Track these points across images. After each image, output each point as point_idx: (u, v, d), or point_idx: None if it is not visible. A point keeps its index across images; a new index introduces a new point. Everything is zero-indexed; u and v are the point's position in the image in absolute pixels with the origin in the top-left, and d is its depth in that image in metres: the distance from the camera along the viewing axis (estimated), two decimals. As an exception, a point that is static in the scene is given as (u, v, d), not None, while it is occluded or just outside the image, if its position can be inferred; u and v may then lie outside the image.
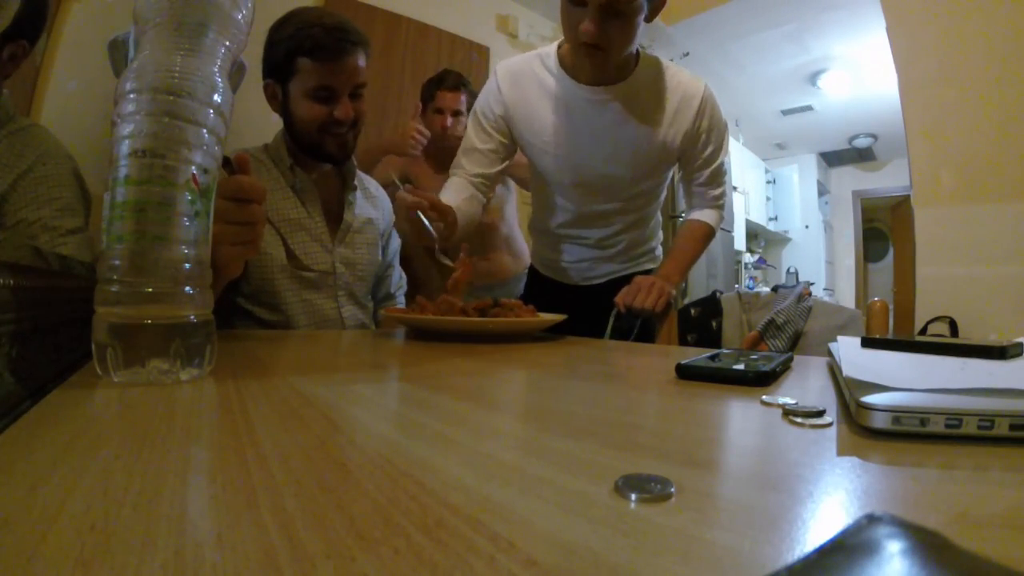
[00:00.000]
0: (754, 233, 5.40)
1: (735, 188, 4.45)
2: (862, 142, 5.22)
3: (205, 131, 0.36)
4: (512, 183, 1.55)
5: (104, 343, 0.33)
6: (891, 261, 5.97)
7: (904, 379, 0.28)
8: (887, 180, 5.48)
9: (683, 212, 1.16)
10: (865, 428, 0.25)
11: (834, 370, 0.41)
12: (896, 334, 2.58)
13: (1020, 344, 0.42)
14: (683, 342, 2.14)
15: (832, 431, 0.26)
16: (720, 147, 1.01)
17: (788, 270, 5.63)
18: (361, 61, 0.92)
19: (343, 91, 0.91)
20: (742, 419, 0.31)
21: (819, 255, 5.61)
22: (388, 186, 1.29)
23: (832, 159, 5.76)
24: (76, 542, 0.13)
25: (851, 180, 5.81)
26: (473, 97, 1.49)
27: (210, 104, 0.36)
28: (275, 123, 1.00)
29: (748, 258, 5.08)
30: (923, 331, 1.78)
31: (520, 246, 1.56)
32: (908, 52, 1.92)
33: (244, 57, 0.44)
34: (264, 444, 0.22)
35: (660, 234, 1.19)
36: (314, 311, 0.95)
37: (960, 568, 0.09)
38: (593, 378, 0.47)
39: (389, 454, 0.21)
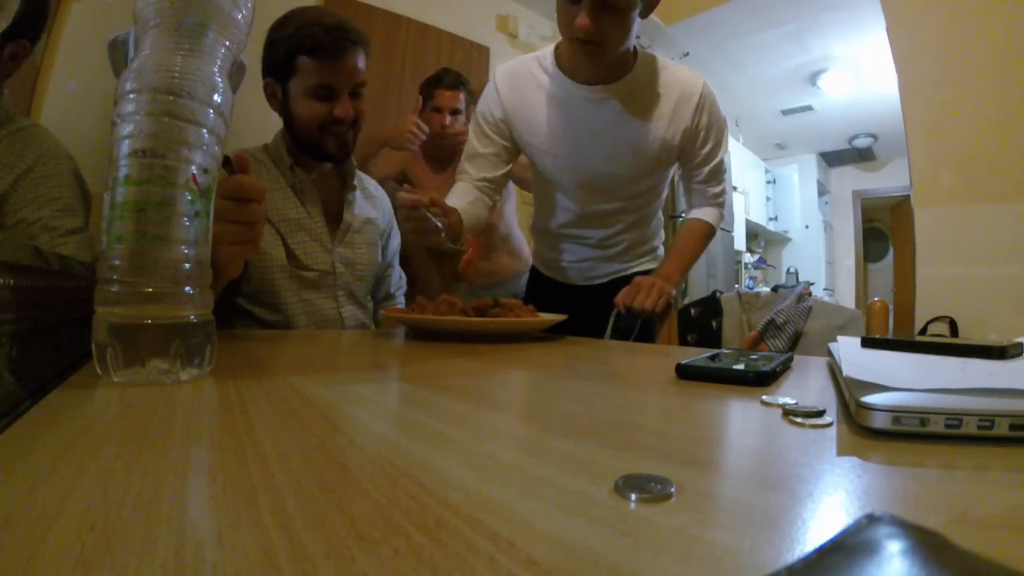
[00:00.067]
0: (754, 233, 5.40)
1: (735, 188, 4.45)
2: (862, 142, 5.22)
3: (205, 131, 0.36)
4: (511, 183, 1.55)
5: (104, 343, 0.33)
6: (891, 261, 5.97)
7: (904, 379, 0.28)
8: (887, 180, 5.48)
9: (683, 212, 1.16)
10: (865, 428, 0.25)
11: (834, 370, 0.41)
12: (896, 334, 2.58)
13: (1020, 344, 0.42)
14: (683, 342, 2.14)
15: (832, 431, 0.26)
16: (719, 144, 1.00)
17: (788, 270, 5.63)
18: (361, 60, 0.93)
19: (343, 90, 0.91)
20: (742, 419, 0.31)
21: (819, 255, 5.61)
22: (385, 183, 1.29)
23: (832, 159, 5.76)
24: (76, 542, 0.13)
25: (851, 180, 5.82)
26: (472, 96, 1.49)
27: (210, 104, 0.36)
28: (275, 123, 1.00)
29: (748, 258, 5.08)
30: (923, 331, 1.78)
31: (519, 245, 1.56)
32: (908, 52, 1.92)
33: (244, 57, 0.44)
34: (264, 444, 0.22)
35: (662, 233, 1.19)
36: (314, 311, 0.95)
37: (960, 568, 0.09)
38: (593, 378, 0.47)
39: (389, 454, 0.21)
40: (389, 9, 2.24)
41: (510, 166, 1.06)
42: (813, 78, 4.08)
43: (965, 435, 0.23)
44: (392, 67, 2.24)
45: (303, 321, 0.94)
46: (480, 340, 0.68)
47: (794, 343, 1.91)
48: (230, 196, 0.47)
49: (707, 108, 0.96)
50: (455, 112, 1.46)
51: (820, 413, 0.28)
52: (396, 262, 1.17)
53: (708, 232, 1.06)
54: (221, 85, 0.37)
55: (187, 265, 0.35)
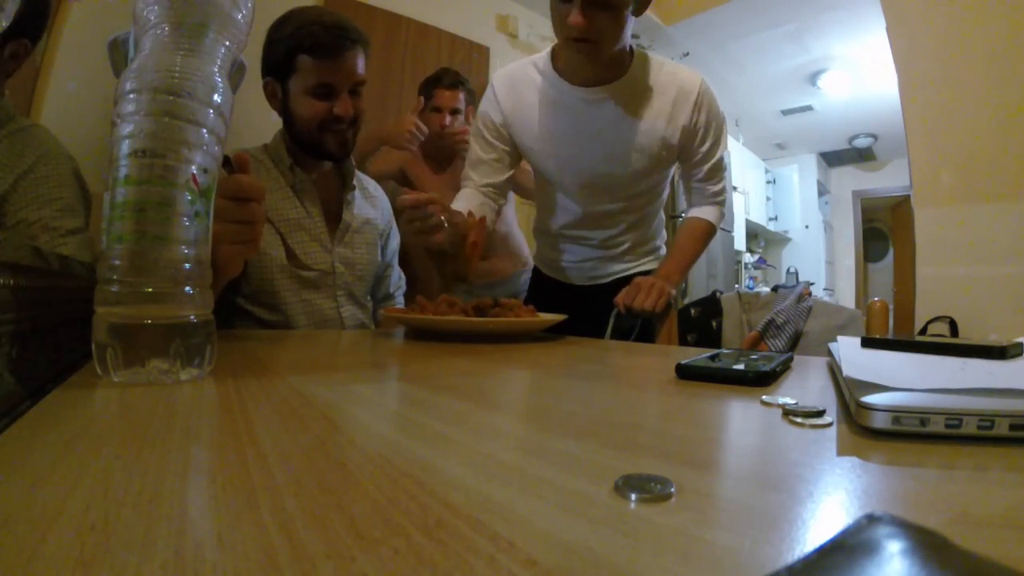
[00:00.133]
0: (754, 233, 5.41)
1: (735, 188, 4.45)
2: (862, 142, 5.22)
3: (205, 131, 0.36)
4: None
5: (104, 343, 0.33)
6: (891, 261, 5.98)
7: (904, 379, 0.28)
8: (887, 180, 5.48)
9: (683, 211, 1.16)
10: (865, 428, 0.25)
11: (834, 370, 0.41)
12: (896, 334, 2.58)
13: (1020, 344, 0.42)
14: (683, 342, 2.14)
15: (832, 431, 0.26)
16: (718, 141, 1.00)
17: (788, 270, 5.63)
18: (360, 59, 0.93)
19: (343, 88, 0.92)
20: (742, 419, 0.31)
21: (819, 255, 5.61)
22: (385, 182, 1.29)
23: (832, 159, 5.76)
24: (76, 542, 0.13)
25: (851, 180, 5.82)
26: (472, 95, 1.49)
27: (210, 104, 0.36)
28: (275, 123, 1.01)
29: (748, 258, 5.08)
30: (923, 331, 1.78)
31: (518, 245, 1.56)
32: (908, 52, 1.92)
33: (244, 57, 0.44)
34: (264, 444, 0.22)
35: (664, 233, 1.19)
36: (313, 311, 0.95)
37: (960, 568, 0.09)
38: (593, 378, 0.47)
39: (389, 454, 0.21)
40: (389, 9, 2.24)
41: (513, 171, 1.06)
42: (813, 78, 4.08)
43: (965, 435, 0.23)
44: (392, 67, 2.24)
45: (303, 321, 0.94)
46: (480, 340, 0.68)
47: (794, 343, 1.91)
48: (230, 196, 0.47)
49: (705, 106, 0.96)
50: (455, 112, 1.46)
51: (820, 413, 0.28)
52: (395, 262, 1.17)
53: (708, 231, 1.06)
54: (221, 85, 0.37)
55: (187, 265, 0.35)
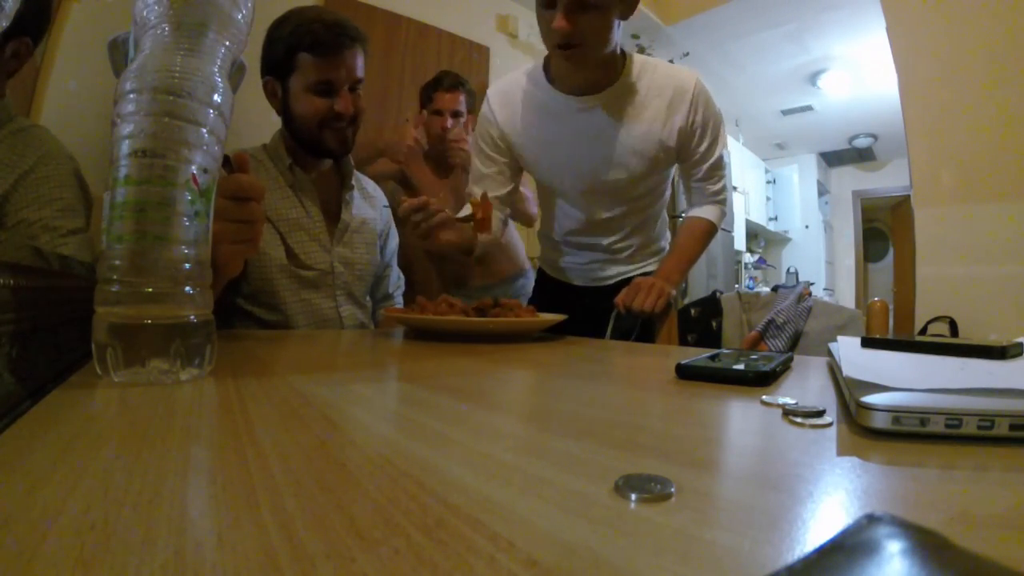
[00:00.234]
0: (754, 233, 5.41)
1: (735, 188, 4.45)
2: (862, 142, 5.23)
3: (205, 131, 0.36)
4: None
5: (104, 343, 0.33)
6: (891, 261, 5.98)
7: (904, 379, 0.28)
8: (887, 180, 5.48)
9: (683, 211, 1.16)
10: (865, 428, 0.25)
11: (834, 370, 0.41)
12: (896, 334, 2.58)
13: (1020, 344, 0.42)
14: (683, 342, 2.14)
15: (832, 431, 0.26)
16: (716, 140, 1.00)
17: (788, 270, 5.63)
18: (360, 57, 0.94)
19: (342, 85, 0.92)
20: (742, 419, 0.31)
21: (819, 255, 5.61)
22: (385, 183, 1.29)
23: (832, 159, 5.76)
24: (76, 542, 0.13)
25: (851, 180, 5.82)
26: (472, 97, 1.49)
27: (210, 104, 0.36)
28: (274, 123, 1.01)
29: (748, 258, 5.08)
30: (923, 331, 1.78)
31: (516, 248, 1.56)
32: (908, 52, 1.92)
33: (244, 57, 0.44)
34: (264, 444, 0.22)
35: (667, 234, 1.19)
36: (313, 311, 0.95)
37: (960, 568, 0.09)
38: (593, 378, 0.47)
39: (389, 454, 0.21)
40: (389, 9, 2.24)
41: (516, 181, 1.08)
42: (813, 78, 4.08)
43: (965, 435, 0.23)
44: (392, 67, 2.24)
45: (302, 321, 0.94)
46: (480, 340, 0.68)
47: (794, 343, 1.91)
48: (230, 195, 0.47)
49: (701, 105, 0.95)
50: (456, 114, 1.46)
51: (820, 413, 0.28)
52: (394, 262, 1.18)
53: (708, 230, 1.06)
54: (221, 85, 0.37)
55: (187, 265, 0.35)
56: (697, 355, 0.47)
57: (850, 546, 0.09)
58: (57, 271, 0.49)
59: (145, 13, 0.37)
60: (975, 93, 1.77)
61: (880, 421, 0.24)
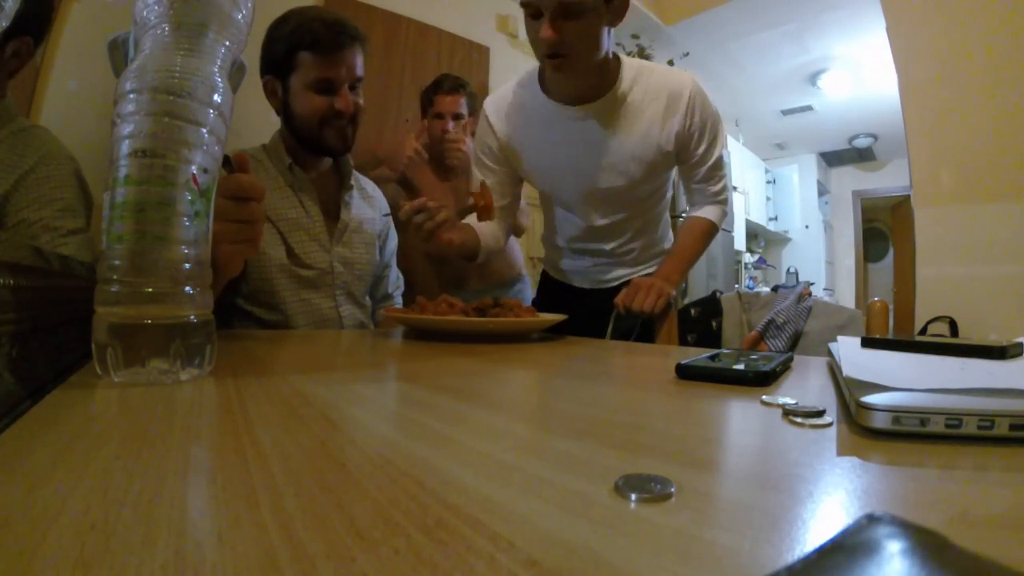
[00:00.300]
0: (754, 233, 5.41)
1: (735, 188, 4.45)
2: (862, 142, 5.23)
3: (205, 131, 0.36)
4: None
5: (104, 343, 0.33)
6: (891, 261, 5.98)
7: (904, 379, 0.28)
8: (887, 180, 5.49)
9: (683, 212, 1.16)
10: (865, 428, 0.25)
11: (834, 370, 0.41)
12: (896, 334, 2.58)
13: (1020, 344, 0.42)
14: (683, 342, 2.14)
15: (832, 431, 0.26)
16: (715, 141, 0.99)
17: (788, 270, 5.64)
18: (359, 56, 0.95)
19: (343, 83, 0.93)
20: (742, 419, 0.31)
21: (819, 255, 5.62)
22: (386, 185, 1.29)
23: (832, 159, 5.77)
24: (76, 542, 0.13)
25: (851, 180, 5.82)
26: (473, 98, 1.49)
27: (210, 104, 0.36)
28: (274, 123, 1.01)
29: (748, 258, 5.08)
30: (923, 331, 1.78)
31: (514, 254, 1.56)
32: (908, 52, 1.93)
33: (244, 57, 0.44)
34: (264, 444, 0.22)
35: (670, 234, 1.18)
36: (312, 310, 0.96)
37: (960, 568, 0.09)
38: (593, 378, 0.47)
39: (389, 454, 0.21)
40: (389, 9, 2.24)
41: (516, 193, 1.08)
42: (813, 78, 4.09)
43: (965, 435, 0.23)
44: (392, 67, 2.24)
45: (302, 320, 0.94)
46: (480, 340, 0.68)
47: (794, 343, 1.91)
48: (230, 195, 0.47)
49: (698, 107, 0.94)
50: (457, 117, 1.46)
51: (820, 413, 0.28)
52: (393, 263, 1.18)
53: (709, 230, 1.05)
54: (221, 85, 0.37)
55: (187, 265, 0.35)
56: (697, 355, 0.47)
57: (850, 546, 0.09)
58: (57, 271, 0.49)
59: (145, 13, 0.37)
60: (975, 93, 1.77)
61: (880, 421, 0.24)
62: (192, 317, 0.36)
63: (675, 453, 0.23)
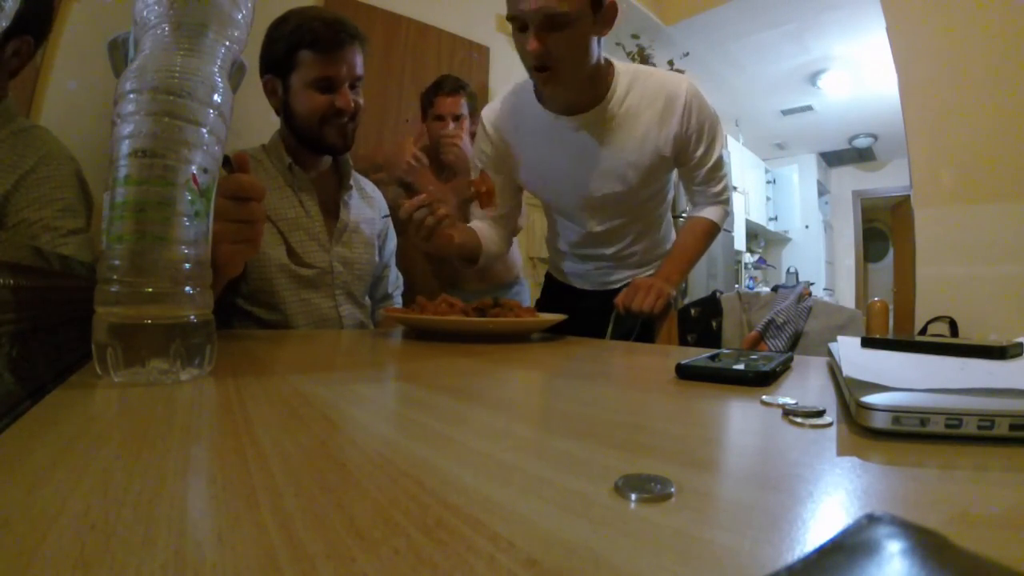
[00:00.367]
0: (754, 233, 5.41)
1: (735, 188, 4.45)
2: (862, 142, 5.23)
3: (205, 131, 0.36)
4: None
5: (104, 343, 0.33)
6: (891, 261, 5.98)
7: (904, 379, 0.28)
8: (887, 180, 5.49)
9: (683, 212, 1.16)
10: (865, 428, 0.25)
11: (834, 370, 0.41)
12: (896, 334, 2.58)
13: (1020, 344, 0.42)
14: (683, 342, 2.14)
15: (832, 431, 0.26)
16: (713, 143, 0.99)
17: (788, 270, 5.64)
18: (359, 55, 0.95)
19: (343, 82, 0.93)
20: (742, 419, 0.31)
21: (819, 255, 5.61)
22: (386, 186, 1.29)
23: (832, 159, 5.77)
24: (76, 542, 0.13)
25: (851, 180, 5.82)
26: (473, 99, 1.49)
27: (210, 104, 0.36)
28: (274, 123, 1.01)
29: (748, 258, 5.08)
30: (923, 331, 1.78)
31: (512, 256, 1.56)
32: (908, 52, 1.93)
33: (244, 57, 0.44)
34: (264, 444, 0.22)
35: (673, 235, 1.18)
36: (312, 310, 0.96)
37: (960, 568, 0.09)
38: (593, 378, 0.47)
39: (389, 454, 0.21)
40: (389, 9, 2.23)
41: (517, 201, 1.09)
42: (813, 78, 4.09)
43: (965, 435, 0.23)
44: (392, 67, 2.24)
45: (301, 320, 0.94)
46: (480, 340, 0.68)
47: (794, 343, 1.91)
48: (230, 195, 0.47)
49: (694, 110, 0.94)
50: (457, 118, 1.45)
51: (820, 413, 0.28)
52: (393, 263, 1.18)
53: (710, 230, 1.05)
54: (221, 85, 0.37)
55: (187, 265, 0.35)
56: (697, 355, 0.47)
57: (850, 546, 0.09)
58: (57, 271, 0.49)
59: (145, 13, 0.37)
60: (975, 93, 1.77)
61: (880, 421, 0.24)
62: (192, 317, 0.36)
63: (675, 453, 0.23)
